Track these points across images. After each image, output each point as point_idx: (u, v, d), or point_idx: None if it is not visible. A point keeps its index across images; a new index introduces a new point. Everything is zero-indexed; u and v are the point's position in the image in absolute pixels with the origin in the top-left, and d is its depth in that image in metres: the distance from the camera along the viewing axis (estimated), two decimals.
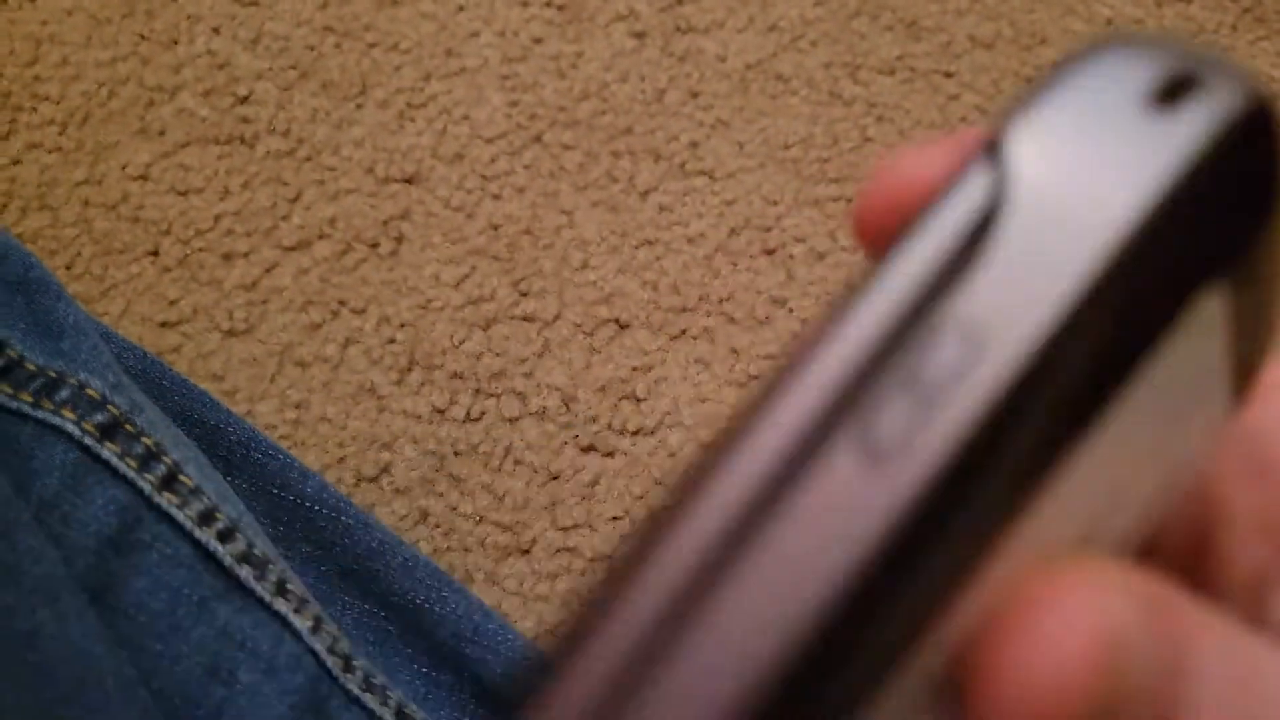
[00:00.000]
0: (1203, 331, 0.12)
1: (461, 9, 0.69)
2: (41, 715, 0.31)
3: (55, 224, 0.63)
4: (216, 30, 0.69)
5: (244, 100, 0.67)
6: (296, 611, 0.39)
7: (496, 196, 0.64)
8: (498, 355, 0.60)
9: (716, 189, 0.64)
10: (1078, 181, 0.12)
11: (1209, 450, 0.14)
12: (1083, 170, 0.12)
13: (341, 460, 0.58)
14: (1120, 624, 0.11)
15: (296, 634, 0.38)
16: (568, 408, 0.59)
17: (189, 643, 0.36)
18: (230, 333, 0.61)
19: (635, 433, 0.58)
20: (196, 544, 0.37)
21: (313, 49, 0.68)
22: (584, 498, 0.57)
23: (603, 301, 0.61)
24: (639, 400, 0.59)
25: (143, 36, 0.68)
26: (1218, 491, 0.14)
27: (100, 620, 0.34)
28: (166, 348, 0.60)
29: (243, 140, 0.66)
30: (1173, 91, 0.12)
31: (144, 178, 0.65)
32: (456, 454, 0.58)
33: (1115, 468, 0.12)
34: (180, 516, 0.37)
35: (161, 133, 0.66)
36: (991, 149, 0.12)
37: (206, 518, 0.38)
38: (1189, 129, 0.12)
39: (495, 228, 0.63)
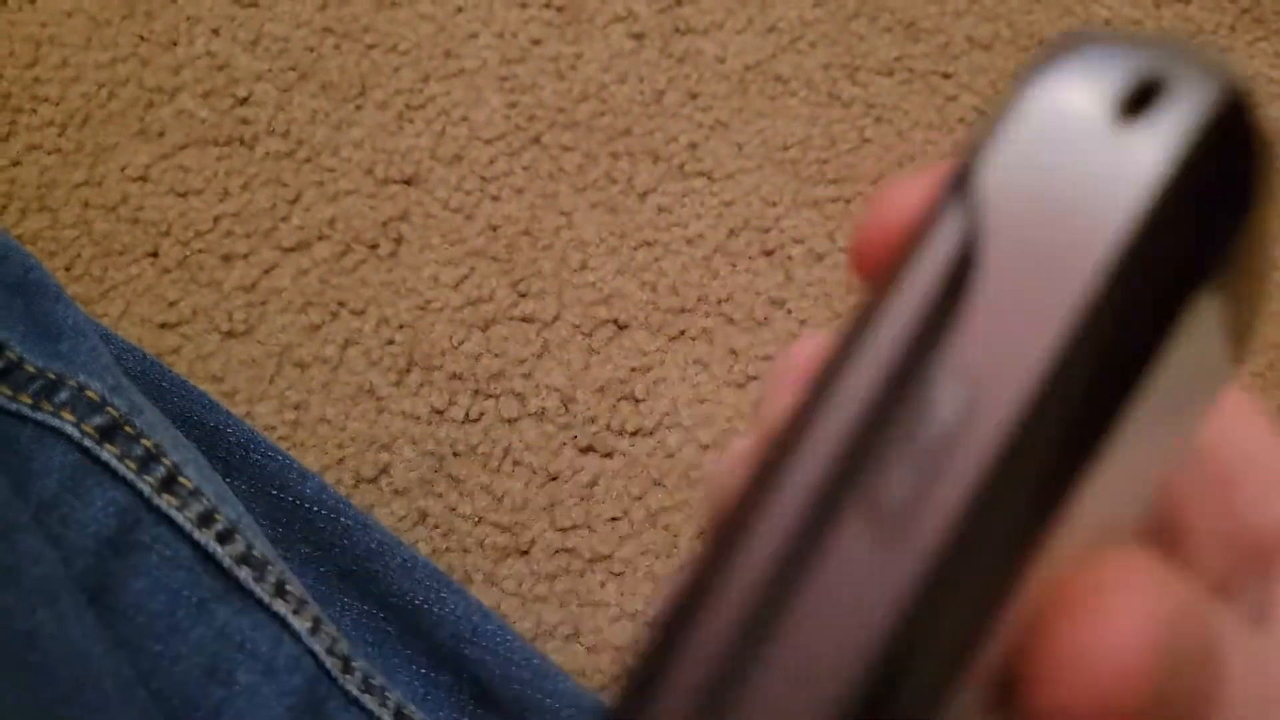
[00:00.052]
0: (1198, 329, 0.12)
1: (460, 10, 0.69)
2: (41, 715, 0.31)
3: (55, 225, 0.63)
4: (216, 32, 0.69)
5: (243, 102, 0.67)
6: (295, 612, 0.39)
7: (495, 198, 0.64)
8: (496, 356, 0.60)
9: (715, 190, 0.64)
10: (1052, 213, 0.11)
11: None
12: (1055, 200, 0.11)
13: (340, 461, 0.58)
14: (1175, 612, 0.11)
15: (295, 635, 0.38)
16: (566, 408, 0.59)
17: (188, 644, 0.36)
18: (229, 334, 0.61)
19: (634, 433, 0.58)
20: (195, 545, 0.37)
21: (312, 50, 0.68)
22: (582, 498, 0.57)
23: (601, 302, 0.61)
24: (638, 401, 0.59)
25: (142, 38, 0.68)
26: (1180, 502, 0.15)
27: (99, 621, 0.35)
28: (166, 349, 0.60)
29: (242, 141, 0.66)
30: (1140, 100, 0.11)
31: (143, 179, 0.65)
32: (455, 455, 0.58)
33: (1127, 469, 0.12)
34: (179, 518, 0.37)
35: (161, 134, 0.66)
36: (961, 184, 0.12)
37: (206, 519, 0.38)
38: (1159, 140, 0.11)
39: (494, 229, 0.63)
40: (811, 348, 0.15)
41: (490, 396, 0.59)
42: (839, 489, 0.11)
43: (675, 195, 0.64)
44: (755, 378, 0.60)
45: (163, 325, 0.61)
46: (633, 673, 0.11)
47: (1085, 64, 0.12)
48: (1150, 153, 0.11)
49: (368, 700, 0.40)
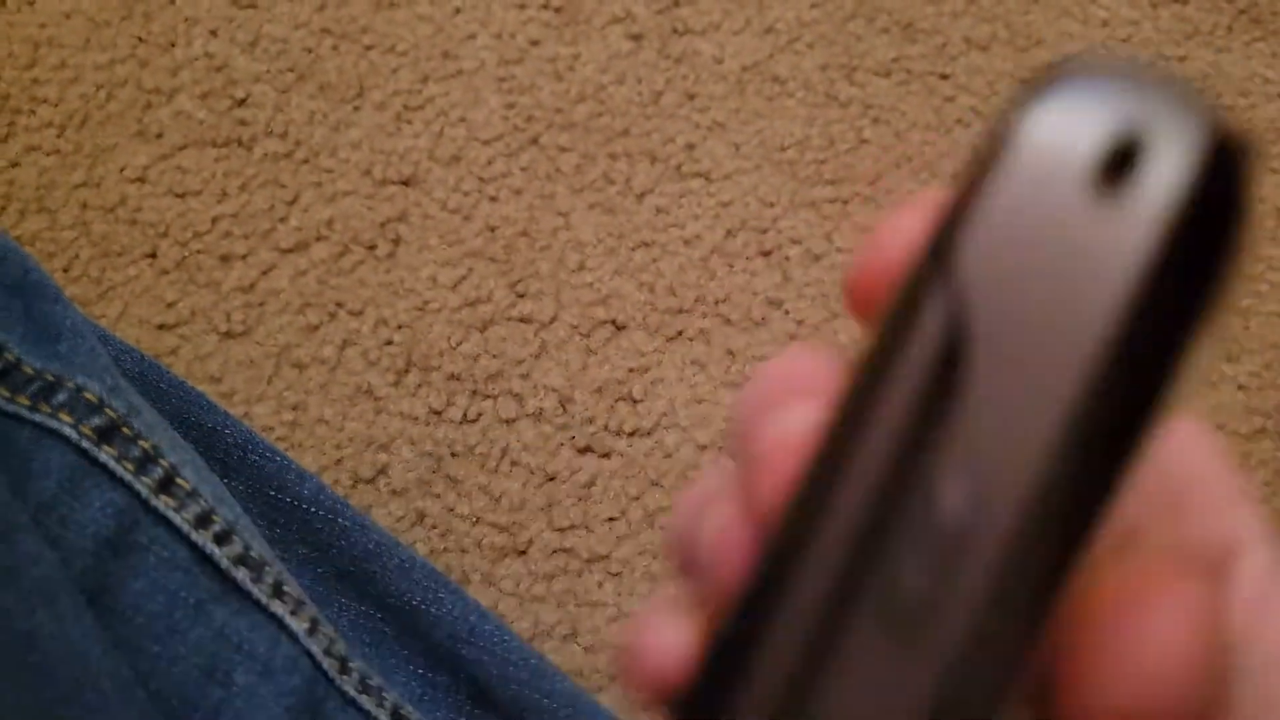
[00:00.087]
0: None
1: (458, 11, 0.70)
2: (40, 716, 0.31)
3: (53, 226, 0.63)
4: (214, 33, 0.69)
5: (241, 103, 0.67)
6: (293, 613, 0.39)
7: (493, 198, 0.64)
8: (494, 357, 0.60)
9: (713, 191, 0.65)
10: (1037, 301, 0.11)
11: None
12: (1040, 286, 0.11)
13: (339, 462, 0.58)
14: (1215, 615, 0.12)
15: (293, 636, 0.38)
16: (564, 409, 0.59)
17: (186, 644, 0.36)
18: (228, 335, 0.61)
19: (632, 434, 0.58)
20: (193, 546, 0.38)
21: (310, 51, 0.68)
22: (580, 499, 0.57)
23: (599, 303, 0.61)
24: (635, 401, 0.59)
25: (140, 39, 0.69)
26: (1134, 520, 0.15)
27: (98, 622, 0.35)
28: (164, 350, 0.60)
29: (240, 143, 0.66)
30: (1119, 164, 0.11)
31: (142, 180, 0.65)
32: (453, 455, 0.58)
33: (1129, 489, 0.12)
34: (177, 519, 0.38)
35: (159, 135, 0.66)
36: (944, 260, 0.11)
37: (203, 520, 0.38)
38: (1141, 216, 0.11)
39: (492, 229, 0.63)
40: (782, 371, 0.15)
41: (488, 397, 0.59)
42: (852, 587, 0.11)
43: (673, 196, 0.64)
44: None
45: (161, 326, 0.61)
46: None
47: (1062, 123, 0.11)
48: (1133, 231, 0.11)
49: (365, 701, 0.40)
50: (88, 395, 0.38)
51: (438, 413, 0.59)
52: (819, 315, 0.61)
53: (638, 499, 0.57)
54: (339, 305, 0.62)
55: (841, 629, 0.11)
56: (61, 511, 0.36)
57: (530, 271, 0.62)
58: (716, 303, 0.61)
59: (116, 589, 0.36)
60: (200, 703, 0.36)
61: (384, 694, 0.41)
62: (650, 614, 0.15)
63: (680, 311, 0.61)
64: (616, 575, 0.56)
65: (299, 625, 0.39)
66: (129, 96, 0.67)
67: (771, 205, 0.64)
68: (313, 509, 0.45)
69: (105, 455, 0.37)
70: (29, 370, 0.37)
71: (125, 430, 0.38)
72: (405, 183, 0.65)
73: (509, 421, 0.59)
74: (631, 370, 0.60)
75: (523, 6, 0.70)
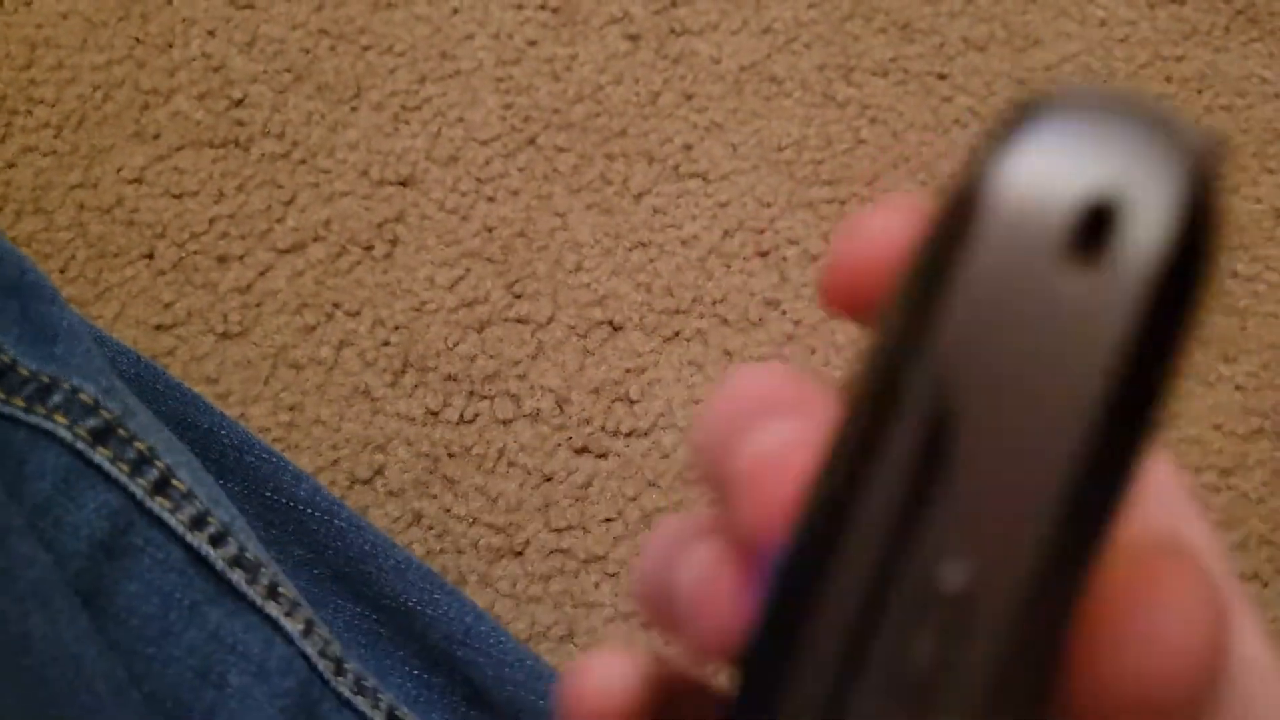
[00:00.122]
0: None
1: (456, 12, 0.70)
2: (35, 718, 0.31)
3: (50, 227, 0.63)
4: (211, 33, 0.69)
5: (239, 103, 0.67)
6: (288, 615, 0.39)
7: (491, 199, 0.64)
8: (491, 357, 0.60)
9: (710, 191, 0.65)
10: (1020, 378, 0.11)
11: None
12: (1022, 364, 0.11)
13: (335, 463, 0.58)
14: (1222, 602, 0.12)
15: (288, 637, 0.38)
16: (561, 409, 0.59)
17: (180, 646, 0.36)
18: (224, 335, 0.61)
19: (629, 434, 0.58)
20: (188, 548, 0.38)
21: (307, 52, 0.68)
22: (577, 499, 0.57)
23: (596, 304, 0.61)
24: (632, 402, 0.59)
25: (138, 40, 0.69)
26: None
27: (92, 624, 0.35)
28: (161, 351, 0.60)
29: (237, 143, 0.66)
30: (1096, 226, 0.11)
31: (139, 181, 0.65)
32: (450, 456, 0.58)
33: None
34: (172, 521, 0.38)
35: (156, 136, 0.66)
36: (922, 341, 0.11)
37: (198, 522, 0.38)
38: (1124, 276, 0.11)
39: (489, 230, 0.63)
40: (746, 390, 0.15)
41: (485, 398, 0.59)
42: (860, 661, 0.11)
43: (670, 196, 0.64)
44: None
45: (158, 327, 0.61)
46: None
47: (1035, 183, 0.11)
48: (1114, 296, 0.11)
49: (360, 702, 0.40)
50: (83, 397, 0.38)
51: (434, 413, 0.59)
52: (816, 315, 0.61)
53: (635, 500, 0.57)
54: (336, 306, 0.62)
55: (852, 702, 0.11)
56: (56, 513, 0.36)
57: (527, 272, 0.62)
58: (714, 303, 0.61)
59: (111, 591, 0.36)
60: (195, 704, 0.36)
61: (379, 695, 0.41)
62: (595, 655, 0.15)
63: (677, 312, 0.61)
64: (613, 576, 0.56)
65: (294, 626, 0.39)
66: (126, 97, 0.67)
67: (769, 205, 0.64)
68: (309, 510, 0.45)
69: (100, 457, 0.37)
70: (24, 371, 0.37)
71: (120, 431, 0.38)
72: (402, 183, 0.65)
73: (506, 422, 0.59)
74: (628, 371, 0.60)
75: (520, 7, 0.69)
